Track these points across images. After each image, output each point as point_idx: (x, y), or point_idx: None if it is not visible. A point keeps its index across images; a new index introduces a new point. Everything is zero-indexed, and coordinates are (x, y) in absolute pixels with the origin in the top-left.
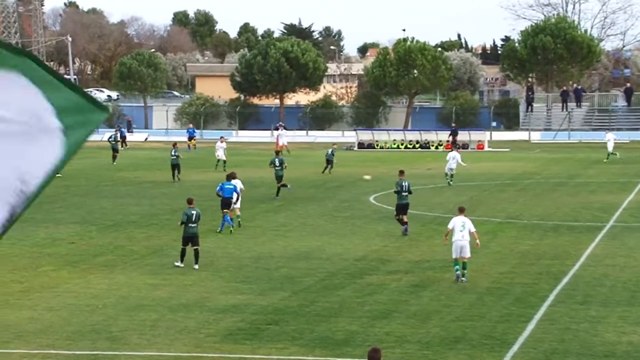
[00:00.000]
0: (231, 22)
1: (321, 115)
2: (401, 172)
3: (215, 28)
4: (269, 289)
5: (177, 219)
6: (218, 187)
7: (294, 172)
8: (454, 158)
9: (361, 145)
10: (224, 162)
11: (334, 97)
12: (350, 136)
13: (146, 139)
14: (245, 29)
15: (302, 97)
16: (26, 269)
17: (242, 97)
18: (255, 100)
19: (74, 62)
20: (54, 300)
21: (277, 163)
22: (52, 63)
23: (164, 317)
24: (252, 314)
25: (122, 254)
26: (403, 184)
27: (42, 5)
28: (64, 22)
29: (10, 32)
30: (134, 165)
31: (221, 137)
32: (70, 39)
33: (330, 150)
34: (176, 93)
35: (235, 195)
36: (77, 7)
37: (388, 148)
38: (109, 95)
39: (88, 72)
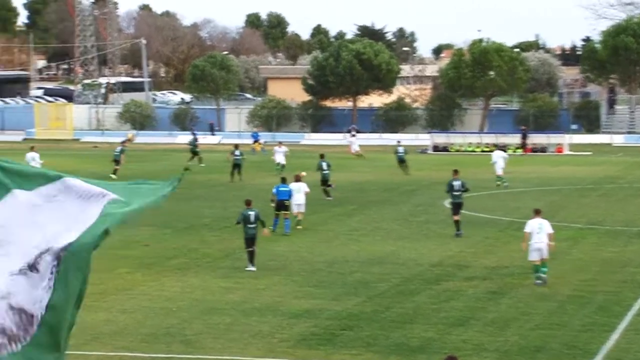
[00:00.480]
0: (303, 24)
1: (395, 118)
2: (455, 172)
3: (287, 30)
4: (343, 293)
5: None
6: (274, 189)
7: (367, 176)
8: (502, 157)
9: (436, 148)
10: (283, 166)
11: (407, 100)
12: (425, 139)
13: (219, 141)
14: (318, 31)
15: (375, 100)
16: (102, 271)
17: (315, 100)
18: (328, 103)
19: (148, 65)
20: (129, 303)
21: (324, 167)
22: (126, 66)
23: (237, 321)
24: (326, 319)
25: (196, 257)
26: (453, 183)
27: (117, 8)
28: (138, 25)
29: (86, 35)
30: (207, 168)
31: (279, 142)
32: (144, 41)
33: (401, 149)
34: (248, 95)
35: (296, 197)
36: (151, 10)
37: (463, 151)
38: (182, 98)
39: (162, 75)
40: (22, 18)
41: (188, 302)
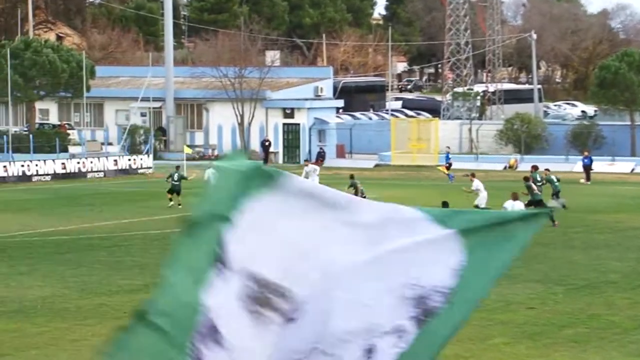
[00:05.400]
0: None
1: None
2: None
3: None
4: None
5: None
6: None
7: None
8: None
9: None
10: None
11: None
12: None
13: (632, 170)
14: None
15: None
16: (472, 341)
17: None
18: None
19: (538, 67)
20: None
21: None
22: (510, 69)
23: None
24: None
25: (598, 327)
26: None
27: None
28: (528, 14)
29: (459, 29)
30: (615, 205)
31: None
32: (534, 36)
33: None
34: None
35: None
36: None
37: None
38: (583, 111)
39: (557, 80)
40: (380, 9)
41: None
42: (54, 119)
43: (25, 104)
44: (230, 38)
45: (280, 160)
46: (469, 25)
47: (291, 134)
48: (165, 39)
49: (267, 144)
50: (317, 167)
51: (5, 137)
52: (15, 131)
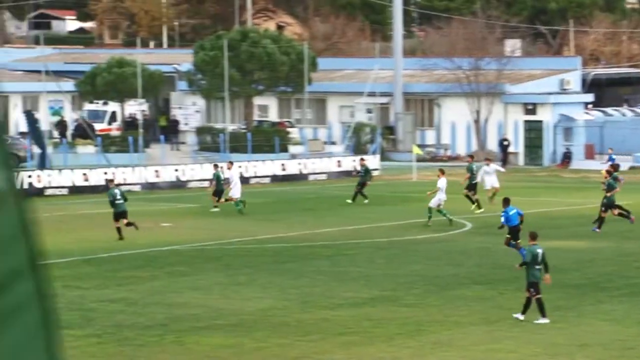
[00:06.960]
0: None
1: None
2: None
3: None
4: None
5: None
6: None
7: None
8: None
9: None
10: None
11: None
12: None
13: None
14: None
15: None
16: None
17: None
18: None
19: None
20: None
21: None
22: None
23: None
24: None
25: None
26: None
27: None
28: None
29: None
30: None
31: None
32: None
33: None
34: None
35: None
36: None
37: None
38: None
39: None
40: None
41: None
42: (273, 115)
43: (243, 99)
44: (465, 25)
45: (521, 162)
46: None
47: (533, 132)
48: (393, 27)
49: (505, 143)
50: (496, 167)
51: (221, 135)
52: (233, 129)
